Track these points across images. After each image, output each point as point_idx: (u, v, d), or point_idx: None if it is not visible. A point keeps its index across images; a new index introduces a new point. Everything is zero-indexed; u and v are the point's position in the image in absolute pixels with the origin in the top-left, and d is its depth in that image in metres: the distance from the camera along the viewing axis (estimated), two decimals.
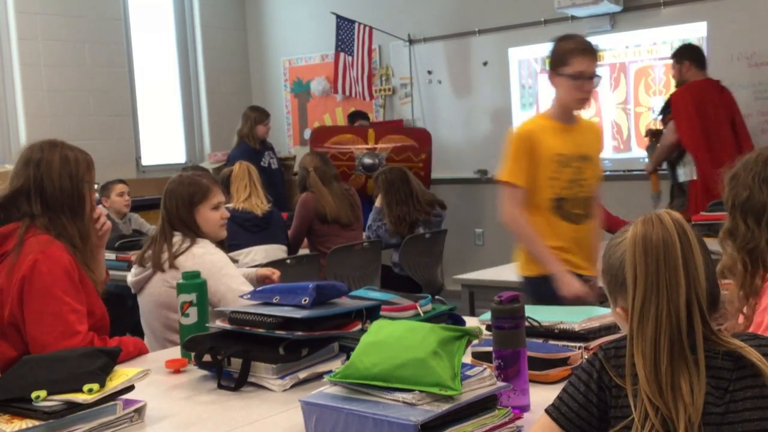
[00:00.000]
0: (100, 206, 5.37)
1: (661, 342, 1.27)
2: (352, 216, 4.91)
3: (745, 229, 1.90)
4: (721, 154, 4.80)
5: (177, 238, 2.81)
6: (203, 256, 2.75)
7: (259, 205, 4.45)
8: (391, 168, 5.49)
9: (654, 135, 5.40)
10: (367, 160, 6.49)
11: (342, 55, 7.01)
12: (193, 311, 2.22)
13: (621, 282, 1.35)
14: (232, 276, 2.77)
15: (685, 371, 1.27)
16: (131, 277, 2.92)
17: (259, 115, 6.71)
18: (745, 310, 1.88)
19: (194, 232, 2.84)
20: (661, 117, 5.41)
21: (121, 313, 5.12)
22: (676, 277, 1.28)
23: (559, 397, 1.38)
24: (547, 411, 1.38)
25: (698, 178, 5.03)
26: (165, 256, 2.77)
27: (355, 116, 7.07)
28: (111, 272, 4.12)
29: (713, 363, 1.28)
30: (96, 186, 6.07)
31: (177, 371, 2.15)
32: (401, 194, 5.17)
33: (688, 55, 5.23)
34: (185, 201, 2.87)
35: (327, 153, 5.71)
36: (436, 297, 2.32)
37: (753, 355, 1.28)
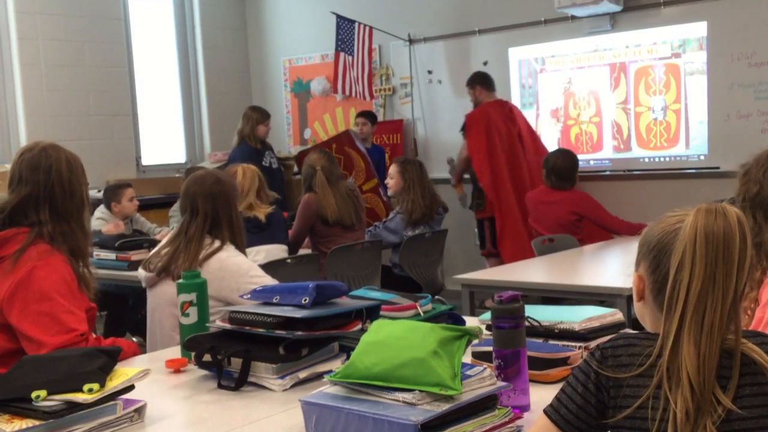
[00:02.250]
0: (101, 208, 5.40)
1: (714, 335, 1.27)
2: (355, 217, 4.90)
3: (753, 223, 1.92)
4: (502, 165, 6.00)
5: (206, 240, 2.79)
6: (227, 260, 2.75)
7: (262, 210, 4.43)
8: (420, 161, 5.65)
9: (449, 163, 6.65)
10: None
11: (342, 54, 7.01)
12: (193, 311, 2.22)
13: (660, 253, 1.34)
14: (261, 276, 2.79)
15: (722, 367, 1.27)
16: (145, 272, 2.89)
17: (260, 115, 6.73)
18: (746, 303, 1.90)
19: (232, 234, 2.82)
20: (462, 133, 6.35)
21: (121, 313, 5.13)
22: (730, 273, 1.28)
23: (557, 398, 1.38)
24: (545, 412, 1.38)
25: (482, 184, 6.10)
26: (181, 262, 2.73)
27: (359, 116, 7.08)
28: (111, 272, 4.17)
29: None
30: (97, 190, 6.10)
31: (177, 371, 2.15)
32: (424, 188, 5.27)
33: (479, 81, 6.26)
34: (234, 201, 2.87)
35: None
36: (436, 297, 2.32)
37: (754, 352, 1.29)
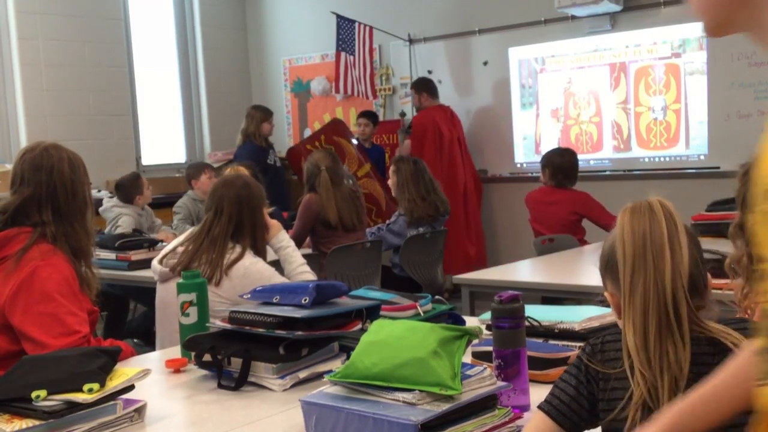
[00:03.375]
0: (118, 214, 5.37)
1: (650, 313, 1.31)
2: (357, 219, 4.88)
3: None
4: (438, 165, 6.33)
5: (228, 245, 2.80)
6: (250, 267, 2.77)
7: None
8: (416, 159, 5.52)
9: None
10: None
11: (343, 54, 7.01)
12: (193, 311, 2.22)
13: (612, 264, 1.39)
14: (283, 281, 2.82)
15: (671, 341, 1.30)
16: (161, 266, 2.88)
17: (263, 113, 6.79)
18: (747, 302, 1.90)
19: (254, 240, 2.83)
20: (408, 134, 6.82)
21: (121, 313, 5.13)
22: (662, 253, 1.32)
23: (550, 393, 1.41)
24: (539, 407, 1.41)
25: None
26: (204, 261, 2.74)
27: (360, 117, 7.08)
28: (111, 272, 4.16)
29: (696, 350, 1.30)
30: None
31: (177, 371, 2.15)
32: (419, 186, 5.19)
33: (424, 88, 6.69)
34: (260, 207, 2.88)
35: None
36: (436, 297, 2.32)
37: (729, 339, 1.30)
